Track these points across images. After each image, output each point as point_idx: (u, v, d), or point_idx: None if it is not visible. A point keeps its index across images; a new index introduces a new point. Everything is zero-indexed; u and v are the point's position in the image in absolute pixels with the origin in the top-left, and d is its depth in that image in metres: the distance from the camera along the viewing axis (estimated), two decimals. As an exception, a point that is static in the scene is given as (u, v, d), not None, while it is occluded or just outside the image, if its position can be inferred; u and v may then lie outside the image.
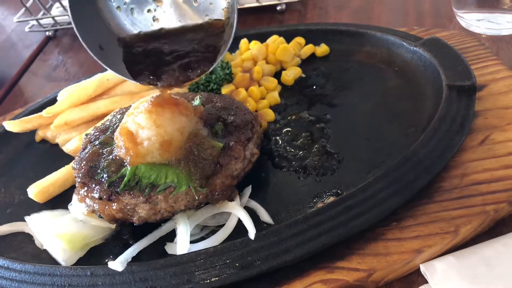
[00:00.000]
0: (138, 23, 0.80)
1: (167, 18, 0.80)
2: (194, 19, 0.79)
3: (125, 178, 0.75)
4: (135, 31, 0.80)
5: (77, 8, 0.74)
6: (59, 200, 0.97)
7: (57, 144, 1.10)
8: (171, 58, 0.77)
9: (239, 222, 0.79)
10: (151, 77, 0.77)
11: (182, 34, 0.80)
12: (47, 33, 1.75)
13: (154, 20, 0.80)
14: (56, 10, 1.69)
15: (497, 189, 0.75)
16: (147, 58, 0.78)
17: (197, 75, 0.77)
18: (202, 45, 0.78)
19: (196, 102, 0.86)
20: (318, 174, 0.87)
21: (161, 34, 0.80)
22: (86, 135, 0.88)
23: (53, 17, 1.65)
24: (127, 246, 0.80)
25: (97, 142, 0.84)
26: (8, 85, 1.58)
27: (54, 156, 1.08)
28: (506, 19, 1.11)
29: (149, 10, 0.80)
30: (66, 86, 1.20)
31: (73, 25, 0.74)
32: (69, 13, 0.73)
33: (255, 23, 1.48)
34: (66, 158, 1.03)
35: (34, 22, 1.70)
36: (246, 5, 1.47)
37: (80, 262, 0.83)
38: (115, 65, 0.77)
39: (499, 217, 0.74)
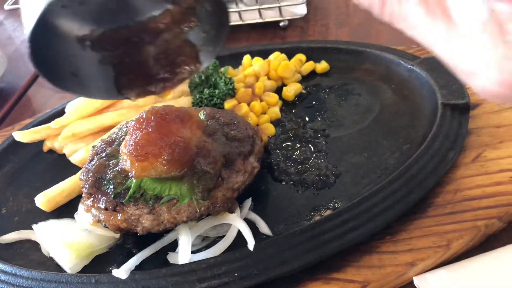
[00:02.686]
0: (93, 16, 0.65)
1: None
2: None
3: (130, 190, 0.78)
4: (97, 28, 0.65)
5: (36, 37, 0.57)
6: (66, 209, 0.99)
7: (64, 155, 1.12)
8: (152, 60, 0.68)
9: (239, 233, 0.81)
10: (141, 87, 0.68)
11: (154, 28, 0.68)
12: (55, 45, 1.79)
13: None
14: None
15: (488, 205, 0.77)
16: (125, 64, 0.66)
17: (184, 76, 0.70)
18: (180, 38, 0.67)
19: (201, 117, 0.90)
20: (316, 187, 0.89)
21: (130, 28, 0.67)
22: (93, 147, 0.92)
23: (61, 30, 1.69)
24: (130, 255, 0.82)
25: (103, 154, 0.87)
26: (17, 96, 1.61)
27: (61, 166, 1.11)
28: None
29: None
30: (73, 97, 1.23)
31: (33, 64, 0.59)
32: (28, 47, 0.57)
33: (258, 38, 1.52)
34: (73, 168, 1.06)
35: (43, 34, 1.75)
36: (250, 21, 1.51)
37: (85, 270, 0.85)
38: (96, 88, 0.67)
39: (490, 232, 0.77)
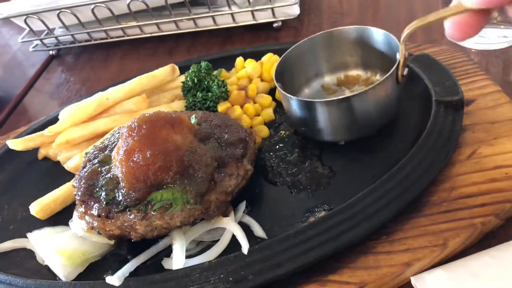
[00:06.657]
0: None
1: None
2: None
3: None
4: None
5: None
6: (61, 217, 0.99)
7: (58, 162, 1.12)
8: None
9: (234, 236, 0.81)
10: None
11: None
12: (50, 52, 1.79)
13: None
14: (59, 30, 1.74)
15: (484, 202, 0.76)
16: None
17: None
18: None
19: (193, 120, 0.89)
20: (310, 189, 0.88)
21: None
22: (86, 153, 0.91)
23: (56, 37, 1.70)
24: (125, 261, 0.82)
25: (96, 161, 0.86)
26: (13, 104, 1.61)
27: (56, 174, 1.11)
28: (496, 33, 1.14)
29: None
30: (69, 104, 1.23)
31: None
32: None
33: (252, 40, 1.52)
34: (67, 175, 1.06)
35: (38, 42, 1.75)
36: (243, 23, 1.50)
37: (80, 277, 0.85)
38: None
39: (487, 230, 0.76)
